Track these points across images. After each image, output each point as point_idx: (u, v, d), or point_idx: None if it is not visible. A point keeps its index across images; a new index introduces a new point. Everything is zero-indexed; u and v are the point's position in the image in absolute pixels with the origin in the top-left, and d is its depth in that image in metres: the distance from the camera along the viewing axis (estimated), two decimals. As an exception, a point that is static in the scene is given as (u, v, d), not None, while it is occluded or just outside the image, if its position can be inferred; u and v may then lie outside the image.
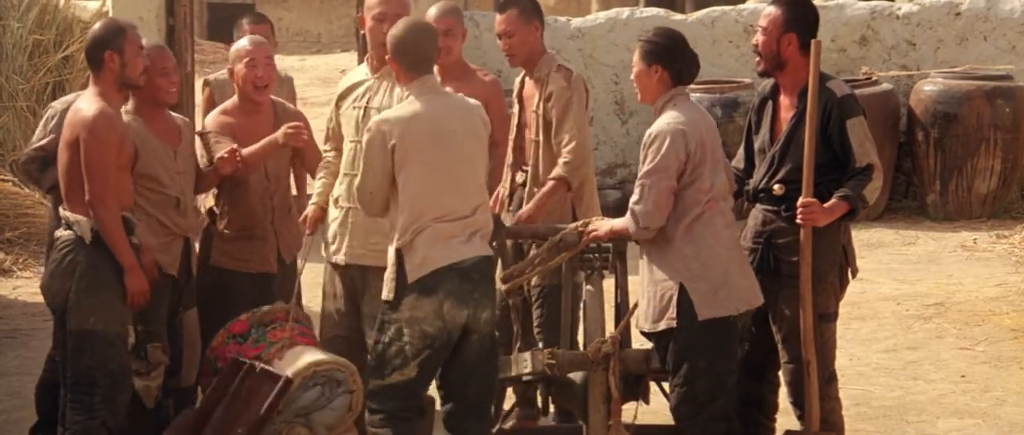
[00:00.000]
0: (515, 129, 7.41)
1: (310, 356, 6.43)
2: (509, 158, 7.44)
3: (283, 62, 24.50)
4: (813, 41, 6.30)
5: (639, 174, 6.08)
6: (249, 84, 7.01)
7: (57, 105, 7.05)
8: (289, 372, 6.31)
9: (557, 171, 7.16)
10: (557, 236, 6.48)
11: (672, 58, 6.14)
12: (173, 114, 6.91)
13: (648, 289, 6.14)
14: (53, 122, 6.90)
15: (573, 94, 7.21)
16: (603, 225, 6.34)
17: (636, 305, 6.28)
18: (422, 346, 6.02)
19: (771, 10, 6.41)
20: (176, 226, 6.68)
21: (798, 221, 6.23)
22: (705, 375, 6.04)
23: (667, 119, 6.09)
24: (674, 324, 6.05)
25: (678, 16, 13.59)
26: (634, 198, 6.06)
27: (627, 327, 6.36)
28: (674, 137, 6.02)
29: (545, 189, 7.16)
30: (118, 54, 6.41)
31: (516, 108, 7.44)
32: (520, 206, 7.31)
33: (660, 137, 6.05)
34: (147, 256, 6.45)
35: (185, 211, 6.73)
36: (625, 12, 13.43)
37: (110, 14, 12.20)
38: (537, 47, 7.31)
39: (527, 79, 7.41)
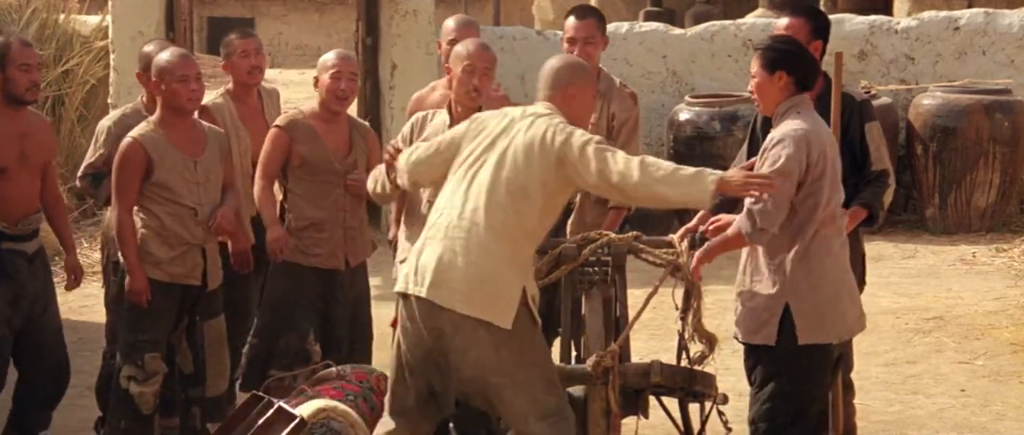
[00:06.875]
0: None
1: (322, 402, 6.34)
2: None
3: (283, 75, 24.39)
4: (836, 53, 6.32)
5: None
6: (331, 95, 7.11)
7: (105, 122, 7.33)
8: (305, 413, 6.29)
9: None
10: (557, 250, 6.49)
11: (796, 63, 5.82)
12: (203, 123, 6.98)
13: (749, 300, 5.90)
14: (101, 138, 7.23)
15: (637, 117, 7.24)
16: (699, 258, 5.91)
17: (636, 317, 6.28)
18: None
19: (791, 21, 6.38)
20: (193, 237, 6.75)
21: None
22: (791, 398, 5.84)
23: (792, 125, 5.75)
24: (772, 342, 5.82)
25: (678, 30, 13.60)
26: (750, 200, 5.70)
27: (627, 341, 6.36)
28: (798, 143, 5.69)
29: (610, 216, 7.12)
30: None
31: None
32: None
33: (784, 141, 5.71)
34: None
35: (203, 221, 6.80)
36: (624, 27, 13.45)
37: (110, 29, 12.23)
38: (598, 61, 7.23)
39: None
